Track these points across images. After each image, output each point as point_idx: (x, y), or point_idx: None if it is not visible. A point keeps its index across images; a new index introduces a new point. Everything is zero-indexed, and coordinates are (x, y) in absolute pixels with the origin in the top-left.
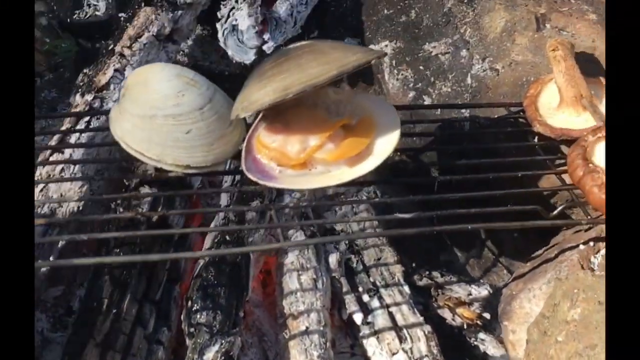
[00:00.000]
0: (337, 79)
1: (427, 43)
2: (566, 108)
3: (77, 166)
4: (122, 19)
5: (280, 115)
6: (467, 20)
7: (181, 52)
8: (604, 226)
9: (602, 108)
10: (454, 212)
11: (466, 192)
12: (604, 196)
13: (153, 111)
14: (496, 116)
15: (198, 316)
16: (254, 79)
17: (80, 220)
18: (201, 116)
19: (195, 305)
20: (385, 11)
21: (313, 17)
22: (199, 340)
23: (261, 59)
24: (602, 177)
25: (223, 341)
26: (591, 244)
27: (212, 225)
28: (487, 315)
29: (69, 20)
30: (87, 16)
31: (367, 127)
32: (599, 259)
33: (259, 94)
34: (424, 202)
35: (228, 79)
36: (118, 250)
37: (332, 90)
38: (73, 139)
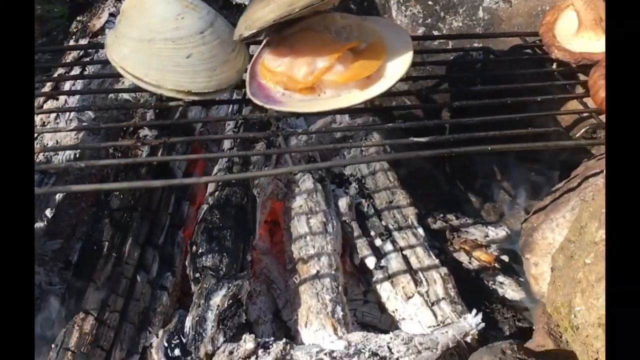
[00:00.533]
0: None
1: None
2: (585, 32)
3: (71, 113)
4: None
5: (286, 40)
6: None
7: None
8: None
9: None
10: (472, 135)
11: (484, 116)
12: None
13: (151, 35)
14: (511, 47)
15: (203, 259)
16: None
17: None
18: (202, 40)
19: (200, 249)
20: None
21: None
22: (205, 285)
23: None
24: None
25: (230, 285)
26: None
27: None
28: (505, 258)
29: None
30: None
31: (378, 50)
32: None
33: (262, 11)
34: (440, 128)
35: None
36: (118, 193)
37: (339, 15)
38: (67, 86)
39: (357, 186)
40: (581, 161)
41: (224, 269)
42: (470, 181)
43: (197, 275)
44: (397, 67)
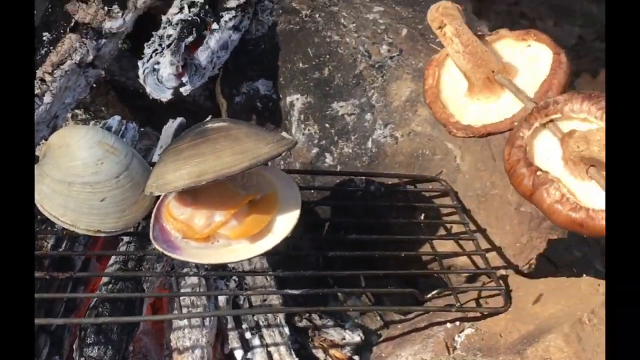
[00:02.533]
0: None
1: (335, 102)
2: (479, 94)
3: None
4: (45, 39)
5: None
6: (376, 85)
7: None
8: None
9: (525, 76)
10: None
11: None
12: (574, 214)
13: (72, 178)
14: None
15: (90, 350)
16: (170, 155)
17: None
18: (117, 184)
19: (89, 339)
20: (301, 64)
21: (231, 55)
22: None
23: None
24: (560, 186)
25: None
26: (457, 323)
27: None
28: (356, 358)
29: None
30: None
31: (270, 203)
32: (462, 338)
33: (174, 175)
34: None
35: (142, 96)
36: None
37: None
38: None
39: (236, 280)
40: None
41: (107, 359)
42: (340, 281)
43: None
44: (285, 223)
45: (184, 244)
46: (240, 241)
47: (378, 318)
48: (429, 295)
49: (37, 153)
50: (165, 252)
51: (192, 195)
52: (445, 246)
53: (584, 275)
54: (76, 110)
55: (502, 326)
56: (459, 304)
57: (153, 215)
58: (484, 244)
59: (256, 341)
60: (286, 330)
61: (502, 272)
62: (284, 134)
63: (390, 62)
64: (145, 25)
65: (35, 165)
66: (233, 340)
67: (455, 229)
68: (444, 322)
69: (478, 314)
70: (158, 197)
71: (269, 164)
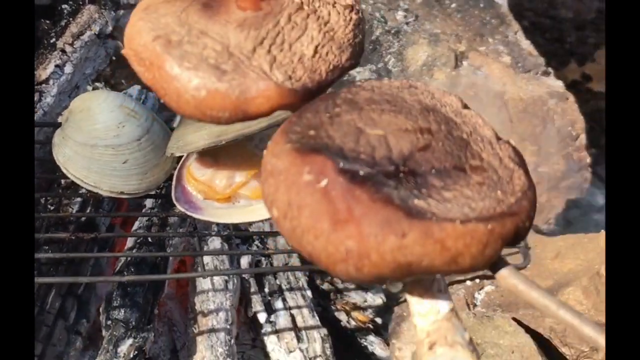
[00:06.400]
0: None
1: None
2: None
3: None
4: (65, 11)
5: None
6: (392, 51)
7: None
8: None
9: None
10: None
11: None
12: None
13: (94, 141)
14: None
15: (116, 312)
16: None
17: None
18: (138, 147)
19: (115, 302)
20: None
21: None
22: (115, 333)
23: None
24: None
25: (137, 336)
26: (477, 280)
27: (135, 226)
28: (378, 320)
29: None
30: None
31: None
32: (482, 295)
33: (194, 135)
34: None
35: None
36: (47, 247)
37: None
38: None
39: (259, 244)
40: None
41: (133, 322)
42: None
43: (109, 322)
44: None
45: (206, 204)
46: (261, 201)
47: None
48: None
49: (59, 119)
50: (188, 213)
51: (213, 156)
52: None
53: (602, 230)
54: (96, 83)
55: None
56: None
57: (175, 177)
58: None
59: (279, 304)
60: (309, 293)
61: None
62: None
63: (407, 28)
64: None
65: (58, 129)
66: (256, 304)
67: None
68: (464, 281)
69: None
70: (179, 159)
71: None
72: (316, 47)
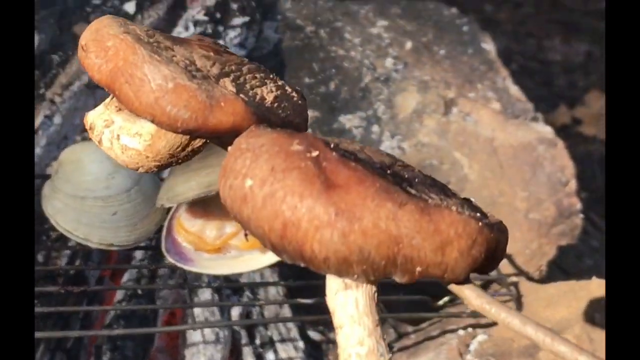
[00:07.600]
0: None
1: (342, 115)
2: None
3: None
4: (54, 61)
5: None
6: (382, 98)
7: None
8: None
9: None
10: None
11: None
12: None
13: (84, 193)
14: None
15: None
16: (179, 169)
17: None
18: (128, 198)
19: (104, 356)
20: (306, 79)
21: None
22: None
23: None
24: None
25: None
26: (469, 329)
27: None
28: None
29: None
30: None
31: None
32: (475, 345)
33: (184, 186)
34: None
35: None
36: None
37: None
38: None
39: (250, 294)
40: None
41: None
42: None
43: None
44: None
45: (196, 255)
46: (252, 252)
47: (391, 330)
48: (441, 302)
49: (48, 171)
50: (178, 264)
51: (203, 207)
52: None
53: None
54: (85, 134)
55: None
56: (470, 309)
57: (165, 228)
58: None
59: (271, 356)
60: (301, 344)
61: (513, 278)
62: None
63: (396, 75)
64: None
65: (48, 181)
66: (247, 356)
67: None
68: (456, 330)
69: (490, 320)
70: (169, 210)
71: None
72: (275, 97)
